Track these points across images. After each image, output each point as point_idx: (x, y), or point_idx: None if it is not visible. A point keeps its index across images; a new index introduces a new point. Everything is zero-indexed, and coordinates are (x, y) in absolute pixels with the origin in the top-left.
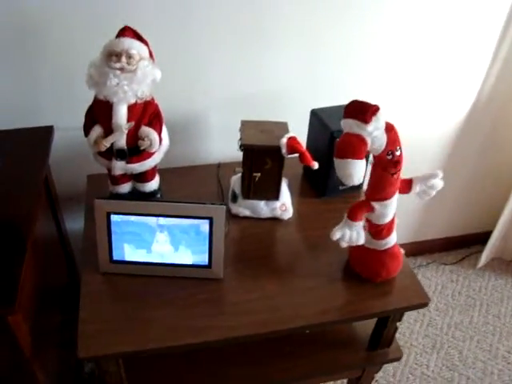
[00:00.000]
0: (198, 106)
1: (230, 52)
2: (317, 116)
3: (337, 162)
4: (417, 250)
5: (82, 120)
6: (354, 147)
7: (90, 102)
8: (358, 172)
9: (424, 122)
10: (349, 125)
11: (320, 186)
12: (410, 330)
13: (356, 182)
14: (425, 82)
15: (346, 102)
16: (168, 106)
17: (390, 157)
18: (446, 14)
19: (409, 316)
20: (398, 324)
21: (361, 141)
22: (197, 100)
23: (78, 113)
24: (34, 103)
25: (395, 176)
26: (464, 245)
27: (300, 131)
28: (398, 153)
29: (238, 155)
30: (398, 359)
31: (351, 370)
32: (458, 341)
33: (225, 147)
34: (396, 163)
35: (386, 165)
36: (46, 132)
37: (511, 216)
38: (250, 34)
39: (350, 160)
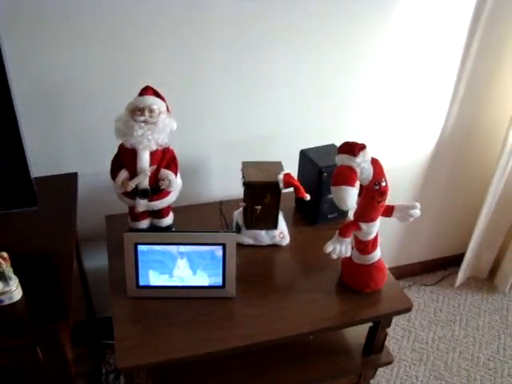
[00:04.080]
0: (200, 152)
1: (227, 105)
2: (305, 155)
3: (333, 189)
4: (399, 273)
5: (92, 166)
6: (346, 175)
7: (96, 151)
8: (351, 197)
9: (398, 157)
10: (341, 159)
11: (311, 215)
12: (398, 345)
13: (349, 206)
14: (398, 122)
15: (328, 142)
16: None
17: (377, 187)
18: (412, 65)
19: (396, 333)
20: (387, 330)
21: (351, 170)
22: (199, 147)
23: (87, 160)
24: (53, 154)
25: (381, 204)
26: (441, 267)
27: (290, 169)
28: (383, 184)
29: (236, 193)
30: (389, 363)
31: (349, 376)
32: (442, 352)
33: (224, 187)
34: (382, 193)
35: (374, 194)
36: (71, 178)
37: (481, 238)
38: (243, 89)
39: (343, 187)
